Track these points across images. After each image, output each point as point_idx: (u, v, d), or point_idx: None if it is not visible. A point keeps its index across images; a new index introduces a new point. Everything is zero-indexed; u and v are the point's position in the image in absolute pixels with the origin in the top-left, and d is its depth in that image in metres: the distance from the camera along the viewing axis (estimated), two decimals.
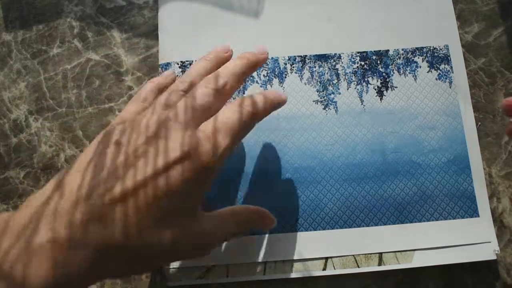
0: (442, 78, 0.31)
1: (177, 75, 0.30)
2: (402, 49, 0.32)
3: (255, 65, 0.26)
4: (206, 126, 0.22)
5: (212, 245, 0.23)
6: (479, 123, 0.31)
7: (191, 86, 0.25)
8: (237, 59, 0.26)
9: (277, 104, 0.25)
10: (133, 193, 0.20)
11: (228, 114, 0.23)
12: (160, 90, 0.27)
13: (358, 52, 0.32)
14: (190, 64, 0.31)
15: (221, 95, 0.24)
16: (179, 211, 0.21)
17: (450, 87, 0.31)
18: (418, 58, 0.32)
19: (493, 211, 0.29)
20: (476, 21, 0.33)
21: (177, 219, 0.21)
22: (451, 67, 0.31)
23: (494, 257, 0.27)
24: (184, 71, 0.31)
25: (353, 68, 0.31)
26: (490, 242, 0.28)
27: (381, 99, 0.31)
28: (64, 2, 0.33)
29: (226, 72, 0.25)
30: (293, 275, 0.27)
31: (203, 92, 0.23)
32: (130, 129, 0.22)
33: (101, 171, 0.20)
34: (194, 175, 0.21)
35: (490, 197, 0.29)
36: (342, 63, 0.32)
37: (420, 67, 0.31)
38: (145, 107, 0.25)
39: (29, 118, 0.31)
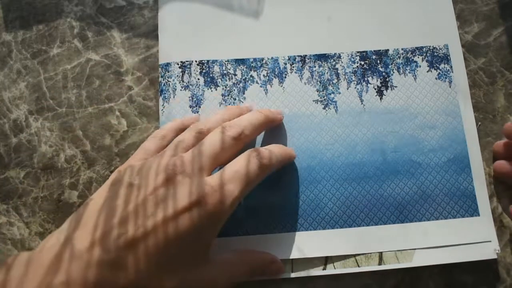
0: (441, 77, 0.31)
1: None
2: (402, 49, 0.32)
3: (271, 121, 0.28)
4: (218, 174, 0.23)
5: None
6: (479, 123, 0.31)
7: (209, 130, 0.26)
8: (256, 112, 0.27)
9: (287, 159, 0.27)
10: (144, 239, 0.20)
11: (242, 163, 0.23)
12: (182, 130, 0.28)
13: (358, 52, 0.32)
14: (190, 64, 0.31)
15: (236, 143, 0.24)
16: (187, 258, 0.21)
17: (450, 87, 0.31)
18: (418, 57, 0.32)
19: (493, 211, 0.29)
20: (476, 21, 0.33)
21: (184, 265, 0.21)
22: (451, 67, 0.31)
23: (495, 257, 0.27)
24: (184, 71, 0.31)
25: (353, 68, 0.31)
26: (490, 241, 0.28)
27: (381, 98, 0.31)
28: (64, 2, 0.33)
29: (244, 121, 0.26)
30: (293, 275, 0.27)
31: (219, 138, 0.24)
32: (142, 173, 0.23)
33: (114, 216, 0.21)
34: (202, 223, 0.21)
35: (490, 197, 0.29)
36: (342, 62, 0.32)
37: (420, 66, 0.31)
38: (163, 145, 0.26)
39: (29, 118, 0.31)
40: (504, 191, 0.29)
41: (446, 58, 0.31)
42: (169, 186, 0.22)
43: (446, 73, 0.31)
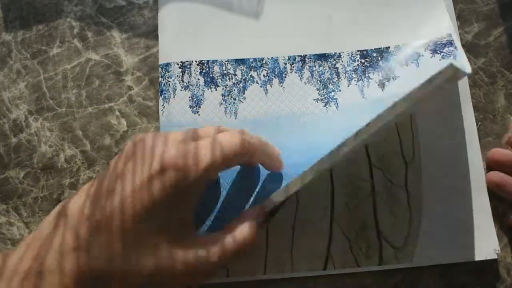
0: (446, 57, 0.29)
1: None
2: (403, 45, 0.31)
3: (271, 156, 0.25)
4: (195, 141, 0.22)
5: (206, 273, 0.22)
6: (479, 123, 0.31)
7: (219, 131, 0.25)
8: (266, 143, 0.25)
9: (273, 158, 0.25)
10: (111, 216, 0.19)
11: (227, 136, 0.22)
12: None
13: (358, 51, 0.32)
14: (190, 64, 0.31)
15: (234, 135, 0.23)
16: (162, 231, 0.20)
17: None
18: (420, 49, 0.31)
19: (493, 211, 0.29)
20: (476, 21, 0.33)
21: (161, 241, 0.20)
22: (455, 47, 0.29)
23: (495, 257, 0.27)
24: (184, 71, 0.31)
25: (354, 66, 0.31)
26: (490, 241, 0.27)
27: (382, 89, 0.30)
28: (64, 2, 0.33)
29: (249, 132, 0.24)
30: (293, 275, 0.27)
31: (213, 129, 0.24)
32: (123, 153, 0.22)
33: (88, 197, 0.21)
34: (174, 190, 0.20)
35: (490, 198, 0.29)
36: (342, 61, 0.31)
37: (423, 55, 0.30)
38: None
39: (29, 118, 0.31)
40: None
41: (450, 43, 0.30)
42: (137, 153, 0.21)
43: (450, 53, 0.29)
